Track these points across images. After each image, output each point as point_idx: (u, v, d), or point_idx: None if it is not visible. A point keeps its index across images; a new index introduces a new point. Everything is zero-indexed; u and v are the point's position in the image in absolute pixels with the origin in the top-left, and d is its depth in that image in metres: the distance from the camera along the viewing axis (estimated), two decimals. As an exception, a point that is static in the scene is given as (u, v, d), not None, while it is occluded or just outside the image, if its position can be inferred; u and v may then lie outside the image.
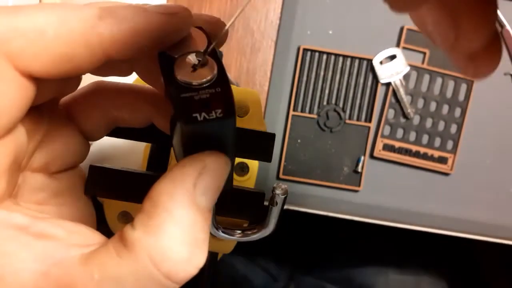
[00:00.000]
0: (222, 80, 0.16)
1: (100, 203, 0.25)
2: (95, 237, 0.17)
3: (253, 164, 0.29)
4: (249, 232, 0.24)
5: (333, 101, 0.44)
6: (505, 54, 0.44)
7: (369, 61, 0.43)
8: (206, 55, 0.16)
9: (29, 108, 0.15)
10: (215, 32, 0.17)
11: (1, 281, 0.14)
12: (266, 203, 0.23)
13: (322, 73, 0.43)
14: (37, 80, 0.15)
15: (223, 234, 0.23)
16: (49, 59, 0.14)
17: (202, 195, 0.15)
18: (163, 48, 0.16)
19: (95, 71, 0.19)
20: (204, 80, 0.15)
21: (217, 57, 0.16)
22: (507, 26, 0.44)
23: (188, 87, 0.15)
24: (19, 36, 0.14)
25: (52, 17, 0.14)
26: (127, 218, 0.26)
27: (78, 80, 0.20)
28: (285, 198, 0.22)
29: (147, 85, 0.20)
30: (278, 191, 0.21)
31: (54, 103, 0.19)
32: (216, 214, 0.23)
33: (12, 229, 0.15)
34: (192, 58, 0.16)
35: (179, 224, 0.14)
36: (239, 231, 0.24)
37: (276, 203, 0.22)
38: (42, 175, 0.19)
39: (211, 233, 0.28)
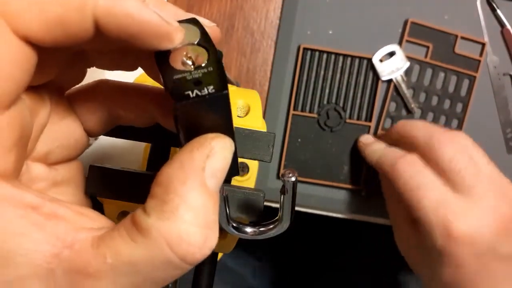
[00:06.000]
0: (214, 61, 0.16)
1: (100, 203, 0.25)
2: (102, 220, 0.17)
3: (253, 164, 0.29)
4: (264, 229, 0.23)
5: (334, 101, 0.44)
6: (505, 54, 0.44)
7: (369, 60, 0.43)
8: (199, 45, 0.16)
9: (30, 77, 0.15)
10: (211, 35, 0.17)
11: (12, 261, 0.14)
12: (266, 203, 0.23)
13: (322, 72, 0.43)
14: (35, 48, 0.15)
15: (233, 230, 0.23)
16: (45, 22, 0.14)
17: (211, 177, 0.16)
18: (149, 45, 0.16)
19: (99, 63, 0.19)
20: (196, 64, 0.16)
21: (210, 43, 0.16)
22: (508, 26, 0.44)
23: (181, 70, 0.16)
24: None
25: None
26: (127, 218, 0.26)
27: (83, 71, 0.20)
28: (295, 183, 0.21)
29: (153, 85, 0.20)
30: (286, 177, 0.20)
31: (58, 92, 0.19)
32: None
33: (22, 208, 0.15)
34: (187, 48, 0.16)
35: (192, 208, 0.15)
36: (252, 229, 0.23)
37: (287, 191, 0.21)
38: (42, 165, 0.19)
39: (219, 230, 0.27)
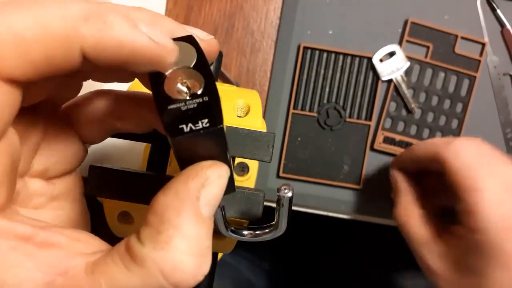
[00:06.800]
0: (210, 90, 0.16)
1: (100, 203, 0.25)
2: (97, 244, 0.17)
3: (253, 164, 0.29)
4: (260, 233, 0.24)
5: (333, 99, 0.44)
6: (505, 54, 0.44)
7: (369, 59, 0.43)
8: (195, 68, 0.16)
9: (16, 112, 0.15)
10: (207, 49, 0.17)
11: None
12: (266, 203, 0.23)
13: (322, 71, 0.43)
14: (20, 85, 0.15)
15: (232, 234, 0.23)
16: (28, 62, 0.14)
17: (205, 206, 0.16)
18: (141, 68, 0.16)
19: (95, 77, 0.19)
20: (192, 91, 0.16)
21: (207, 68, 0.16)
22: (508, 26, 0.44)
23: (176, 98, 0.15)
24: None
25: (29, 19, 0.13)
26: (127, 218, 0.26)
27: (79, 85, 0.20)
28: (291, 198, 0.21)
29: (149, 93, 0.20)
30: (282, 192, 0.21)
31: (53, 108, 0.19)
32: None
33: (15, 239, 0.15)
34: (182, 72, 0.16)
35: (187, 238, 0.15)
36: (249, 231, 0.24)
37: (283, 205, 0.21)
38: (40, 180, 0.19)
39: (217, 232, 0.28)
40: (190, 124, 0.15)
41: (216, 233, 0.28)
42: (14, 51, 0.13)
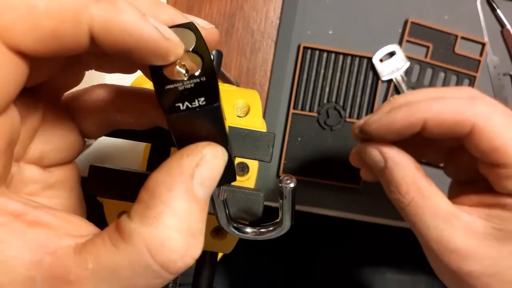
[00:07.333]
0: (207, 70, 0.16)
1: (100, 203, 0.25)
2: (89, 228, 0.17)
3: (253, 164, 0.29)
4: (264, 230, 0.23)
5: (333, 99, 0.44)
6: (505, 54, 0.44)
7: (369, 59, 0.43)
8: (194, 52, 0.16)
9: (21, 87, 0.15)
10: (208, 37, 0.17)
11: None
12: (266, 203, 0.23)
13: (322, 71, 0.43)
14: (27, 58, 0.15)
15: (234, 230, 0.23)
16: (38, 35, 0.14)
17: (200, 185, 0.16)
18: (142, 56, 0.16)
19: (98, 66, 0.19)
20: (190, 73, 0.16)
21: (205, 50, 0.16)
22: (508, 26, 0.44)
23: (174, 79, 0.16)
24: (9, 10, 0.13)
25: None
26: (127, 218, 0.26)
27: (81, 74, 0.20)
28: (294, 189, 0.21)
29: (152, 88, 0.20)
30: (284, 183, 0.20)
31: (54, 94, 0.19)
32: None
33: (5, 215, 0.15)
34: (181, 56, 0.16)
35: (177, 215, 0.15)
36: (252, 229, 0.23)
37: (285, 197, 0.21)
38: (36, 167, 0.18)
39: (217, 232, 0.28)
40: (186, 103, 0.15)
41: (216, 233, 0.28)
42: (25, 22, 0.14)
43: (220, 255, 0.31)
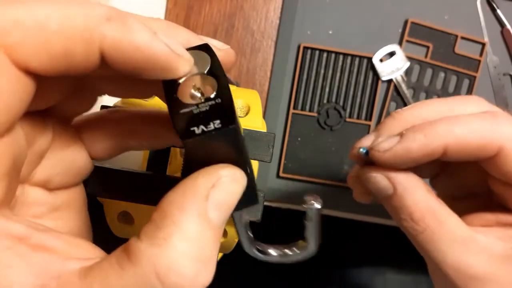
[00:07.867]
0: (223, 92, 0.15)
1: (100, 203, 0.25)
2: (95, 251, 0.16)
3: (253, 164, 0.29)
4: (290, 254, 0.21)
5: (333, 99, 0.44)
6: (505, 54, 0.44)
7: (369, 59, 0.43)
8: (209, 74, 0.16)
9: (27, 106, 0.15)
10: (224, 58, 0.17)
11: None
12: (266, 203, 0.23)
13: (322, 71, 0.43)
14: (35, 77, 0.14)
15: (257, 253, 0.21)
16: (48, 54, 0.14)
17: (214, 209, 0.15)
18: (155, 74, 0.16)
19: (111, 90, 0.19)
20: (205, 96, 0.15)
21: (220, 71, 0.16)
22: (508, 26, 0.44)
23: (188, 103, 0.15)
24: (19, 29, 0.13)
25: (55, 11, 0.13)
26: (127, 218, 0.26)
27: (93, 99, 0.19)
28: (319, 210, 0.19)
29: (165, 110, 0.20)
30: (308, 204, 0.19)
31: (64, 119, 0.19)
32: None
33: (9, 239, 0.14)
34: (196, 78, 0.16)
35: (187, 238, 0.14)
36: (278, 252, 0.21)
37: (311, 219, 0.20)
38: (41, 189, 0.18)
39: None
40: (201, 126, 0.15)
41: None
42: (35, 39, 0.13)
43: (220, 255, 0.31)
